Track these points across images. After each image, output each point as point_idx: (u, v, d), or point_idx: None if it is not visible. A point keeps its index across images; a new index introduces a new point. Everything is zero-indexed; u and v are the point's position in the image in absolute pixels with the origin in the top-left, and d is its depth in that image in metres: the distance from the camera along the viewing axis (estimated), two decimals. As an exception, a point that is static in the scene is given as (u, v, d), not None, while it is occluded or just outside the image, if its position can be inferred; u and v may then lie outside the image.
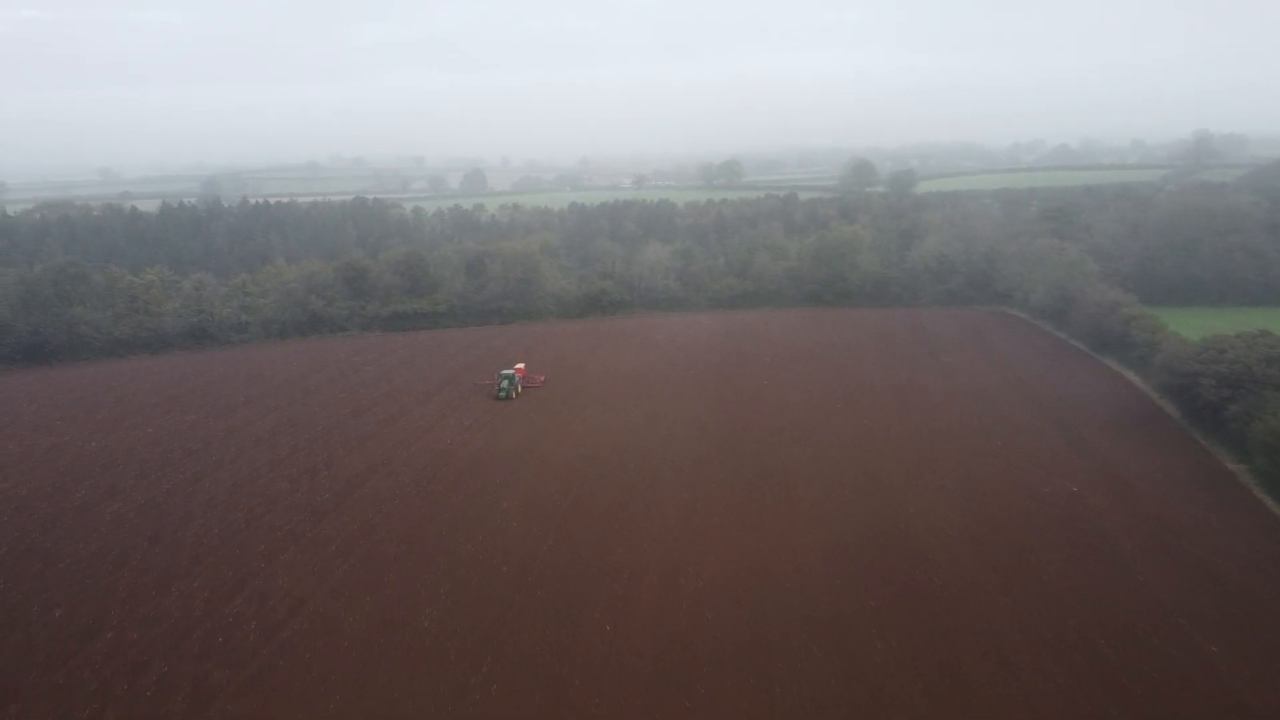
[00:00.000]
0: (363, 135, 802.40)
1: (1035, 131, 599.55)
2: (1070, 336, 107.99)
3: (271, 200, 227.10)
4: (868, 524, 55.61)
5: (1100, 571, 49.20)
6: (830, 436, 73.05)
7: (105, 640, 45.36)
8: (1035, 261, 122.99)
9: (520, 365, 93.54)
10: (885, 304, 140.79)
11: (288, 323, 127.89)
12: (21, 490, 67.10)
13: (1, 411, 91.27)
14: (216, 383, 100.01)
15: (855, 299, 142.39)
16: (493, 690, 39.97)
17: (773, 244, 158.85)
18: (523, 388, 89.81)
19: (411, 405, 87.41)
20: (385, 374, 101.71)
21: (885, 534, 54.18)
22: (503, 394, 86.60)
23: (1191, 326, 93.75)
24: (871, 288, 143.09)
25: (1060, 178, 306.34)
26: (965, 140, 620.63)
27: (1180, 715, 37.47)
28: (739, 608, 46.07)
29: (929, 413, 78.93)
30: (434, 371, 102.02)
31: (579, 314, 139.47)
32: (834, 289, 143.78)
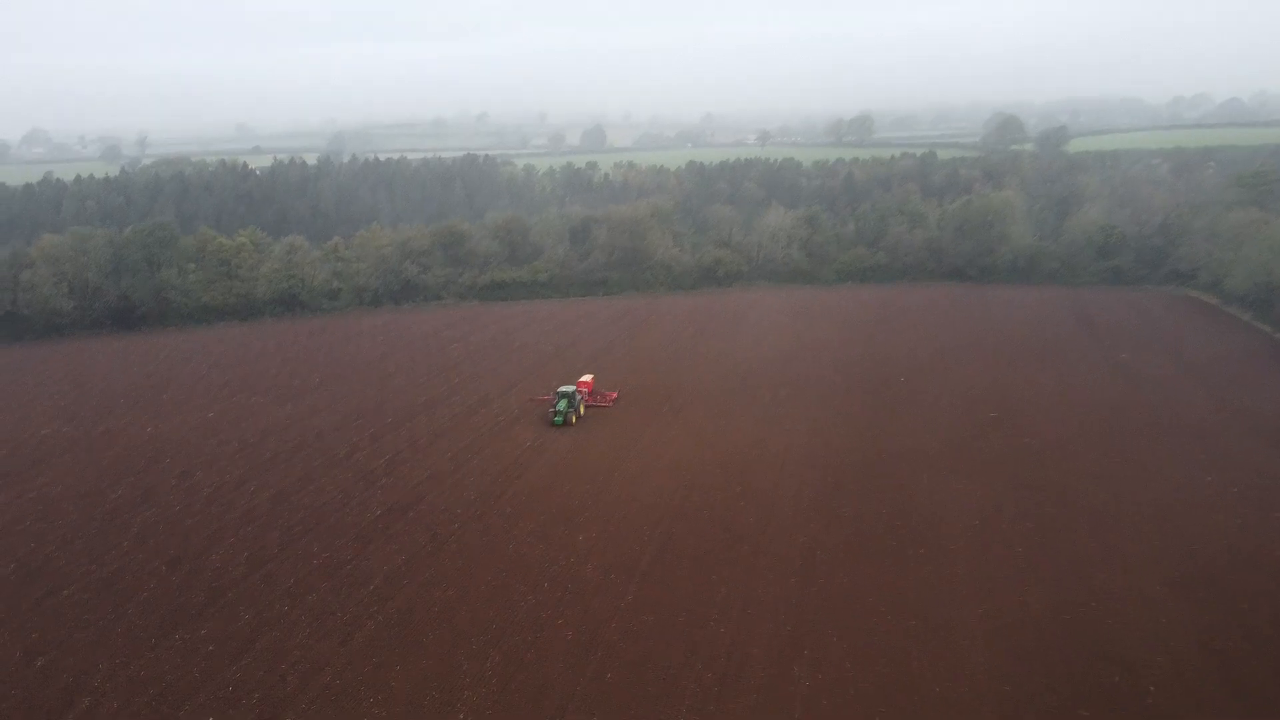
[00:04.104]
0: (492, 92, 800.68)
1: (1196, 83, 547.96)
2: (1277, 330, 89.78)
3: (382, 157, 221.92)
4: (1046, 601, 42.24)
5: (1395, 704, 34.87)
6: (986, 463, 59.15)
7: (79, 710, 36.96)
8: (1231, 238, 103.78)
9: (587, 377, 75.51)
10: (1038, 281, 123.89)
11: (380, 290, 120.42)
12: (56, 489, 60.30)
13: (75, 385, 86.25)
14: (295, 359, 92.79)
15: (1004, 275, 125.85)
16: None
17: (910, 210, 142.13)
18: (586, 407, 71.74)
19: (494, 395, 77.62)
20: (471, 354, 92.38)
21: (1072, 619, 40.78)
22: (559, 419, 68.06)
23: None
24: (1024, 263, 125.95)
25: (1235, 136, 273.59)
26: (1120, 94, 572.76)
27: None
28: (874, 733, 33.99)
29: (1112, 434, 63.82)
30: (524, 353, 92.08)
31: (690, 286, 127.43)
32: (979, 264, 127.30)
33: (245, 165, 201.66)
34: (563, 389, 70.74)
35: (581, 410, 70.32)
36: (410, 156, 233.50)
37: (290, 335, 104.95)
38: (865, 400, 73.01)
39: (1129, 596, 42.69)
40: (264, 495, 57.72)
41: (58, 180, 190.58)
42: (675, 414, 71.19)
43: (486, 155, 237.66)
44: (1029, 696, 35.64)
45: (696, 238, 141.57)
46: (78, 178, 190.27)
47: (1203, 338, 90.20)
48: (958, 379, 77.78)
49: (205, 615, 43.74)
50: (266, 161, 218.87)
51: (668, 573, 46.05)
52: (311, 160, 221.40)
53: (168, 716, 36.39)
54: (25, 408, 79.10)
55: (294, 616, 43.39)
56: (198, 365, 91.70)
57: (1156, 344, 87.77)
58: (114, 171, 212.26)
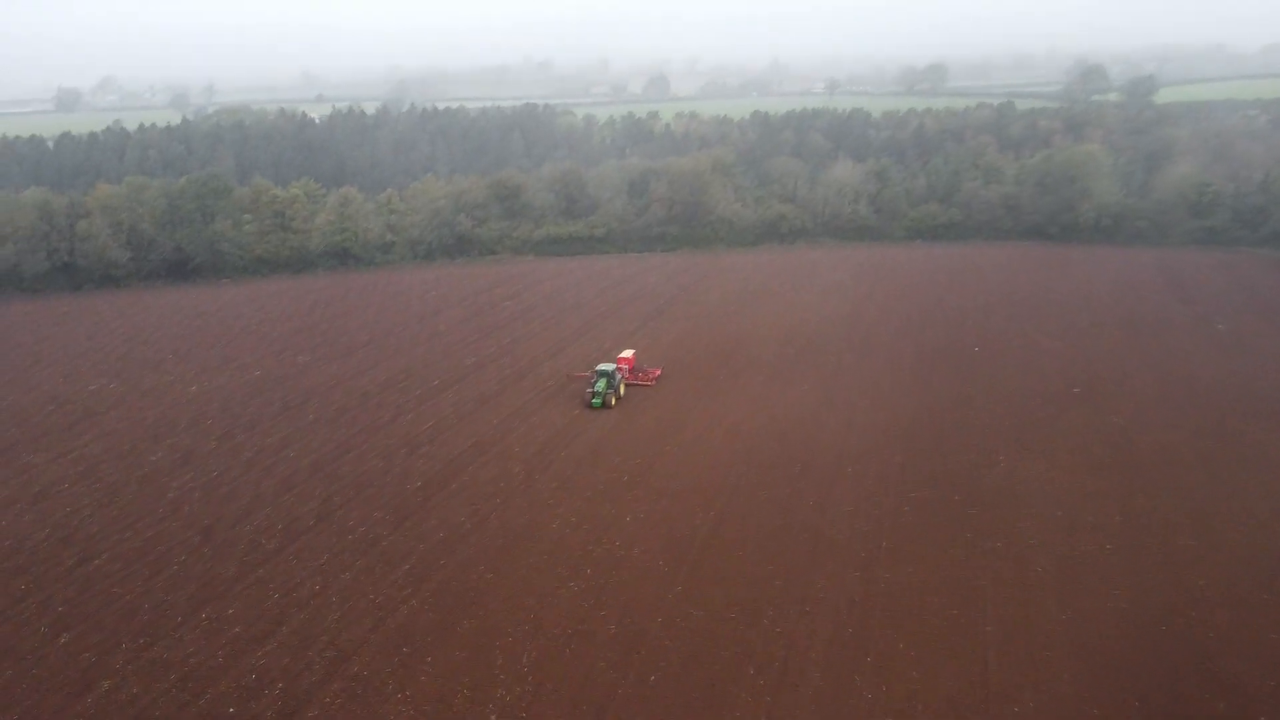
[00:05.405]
0: (556, 38, 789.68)
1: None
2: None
3: (441, 106, 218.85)
4: (1138, 607, 38.05)
5: None
6: (1068, 443, 54.50)
7: (98, 694, 35.28)
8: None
9: (628, 353, 70.30)
10: (1124, 241, 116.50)
11: (434, 244, 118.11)
12: (97, 447, 59.31)
13: (125, 339, 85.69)
14: (345, 315, 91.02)
15: (1087, 234, 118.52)
16: None
17: (985, 164, 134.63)
18: (627, 386, 65.94)
19: (543, 358, 74.78)
20: (524, 312, 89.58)
21: (1169, 630, 36.58)
22: (598, 400, 62.31)
23: None
24: (1109, 221, 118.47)
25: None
26: (1209, 41, 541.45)
27: None
28: (945, 763, 30.56)
29: (1208, 412, 58.44)
30: (577, 312, 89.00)
31: (752, 242, 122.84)
32: (1059, 222, 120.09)
33: (304, 114, 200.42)
34: (601, 367, 64.84)
35: (622, 390, 64.73)
36: (469, 105, 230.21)
37: (341, 289, 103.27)
38: (936, 370, 68.42)
39: (1231, 604, 38.31)
40: (304, 461, 55.84)
41: (122, 129, 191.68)
42: (732, 380, 67.60)
43: (546, 104, 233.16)
44: (1121, 722, 31.83)
45: (759, 191, 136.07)
46: (141, 126, 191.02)
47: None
48: (1037, 348, 72.63)
49: (233, 592, 41.86)
50: (327, 110, 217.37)
51: (719, 561, 42.85)
52: (372, 109, 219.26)
53: (187, 705, 34.53)
54: (75, 361, 78.67)
55: (325, 596, 41.30)
56: (247, 320, 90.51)
57: (1257, 311, 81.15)
58: (178, 120, 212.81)
